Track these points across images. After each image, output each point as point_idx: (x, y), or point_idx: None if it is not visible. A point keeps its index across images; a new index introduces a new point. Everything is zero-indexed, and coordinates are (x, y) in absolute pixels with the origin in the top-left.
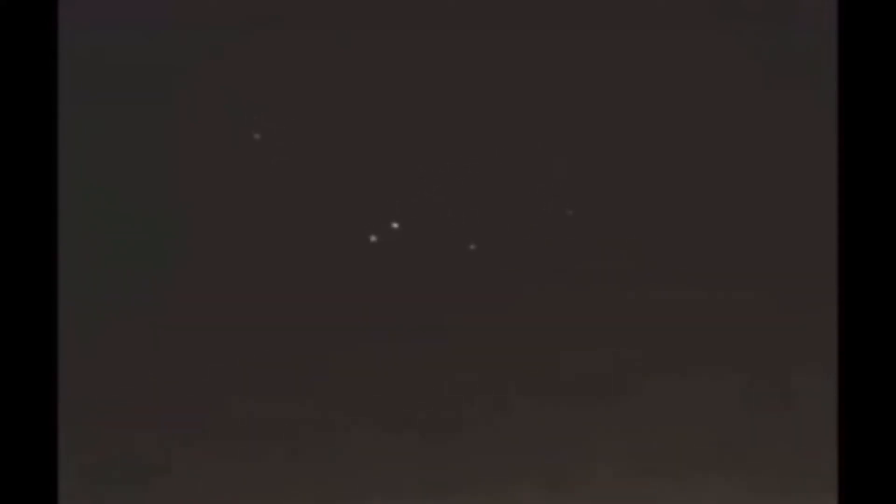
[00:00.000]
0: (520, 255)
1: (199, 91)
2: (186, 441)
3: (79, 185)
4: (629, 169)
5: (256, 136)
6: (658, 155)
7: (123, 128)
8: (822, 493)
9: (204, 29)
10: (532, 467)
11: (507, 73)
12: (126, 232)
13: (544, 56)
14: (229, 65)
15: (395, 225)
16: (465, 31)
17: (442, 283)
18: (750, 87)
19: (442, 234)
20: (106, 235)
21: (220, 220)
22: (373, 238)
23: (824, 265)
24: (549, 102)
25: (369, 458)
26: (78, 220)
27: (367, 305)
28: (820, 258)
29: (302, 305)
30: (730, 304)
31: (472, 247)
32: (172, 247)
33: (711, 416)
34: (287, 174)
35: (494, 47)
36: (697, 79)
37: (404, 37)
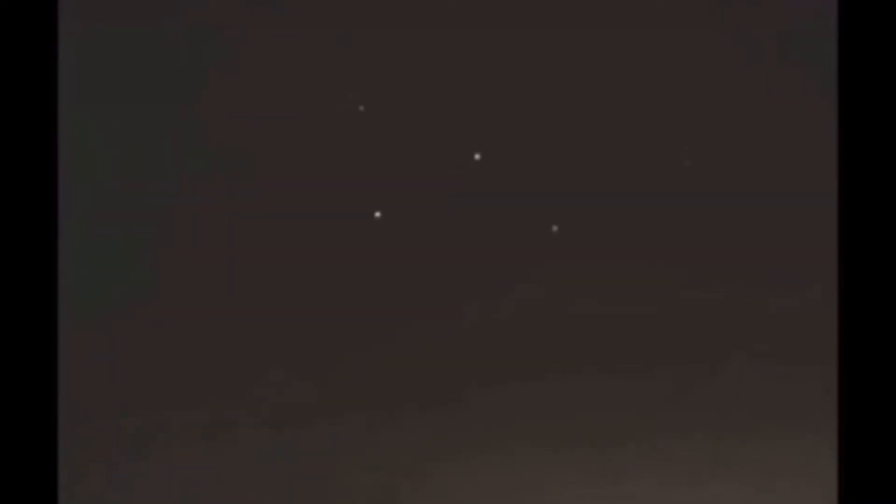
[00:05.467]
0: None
1: (201, 89)
2: (187, 437)
3: (78, 184)
4: (630, 170)
5: (257, 129)
6: (658, 155)
7: (123, 127)
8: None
9: (207, 27)
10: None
11: (508, 74)
12: (125, 231)
13: (541, 57)
14: (235, 64)
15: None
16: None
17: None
18: (750, 88)
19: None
20: (104, 234)
21: (223, 218)
22: (377, 214)
23: (824, 265)
24: (553, 103)
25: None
26: (77, 219)
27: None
28: (819, 258)
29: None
30: (734, 303)
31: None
32: (176, 244)
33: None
34: (292, 172)
35: (503, 47)
36: (698, 79)
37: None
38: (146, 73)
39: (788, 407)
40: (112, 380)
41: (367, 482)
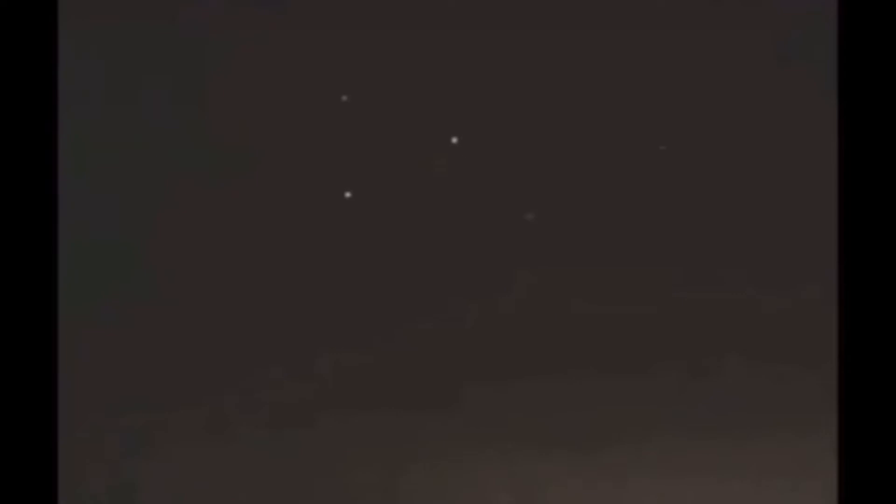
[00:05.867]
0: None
1: (202, 90)
2: (187, 437)
3: (78, 184)
4: (631, 170)
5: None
6: (659, 155)
7: (123, 127)
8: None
9: (208, 28)
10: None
11: (513, 74)
12: (125, 231)
13: (543, 56)
14: (236, 65)
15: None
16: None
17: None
18: (750, 87)
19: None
20: (104, 235)
21: (220, 217)
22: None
23: (824, 266)
24: (556, 105)
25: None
26: (77, 220)
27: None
28: (819, 259)
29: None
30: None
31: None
32: (176, 244)
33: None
34: (293, 174)
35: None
36: (697, 79)
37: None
38: (146, 72)
39: (788, 406)
40: (112, 380)
41: (366, 481)
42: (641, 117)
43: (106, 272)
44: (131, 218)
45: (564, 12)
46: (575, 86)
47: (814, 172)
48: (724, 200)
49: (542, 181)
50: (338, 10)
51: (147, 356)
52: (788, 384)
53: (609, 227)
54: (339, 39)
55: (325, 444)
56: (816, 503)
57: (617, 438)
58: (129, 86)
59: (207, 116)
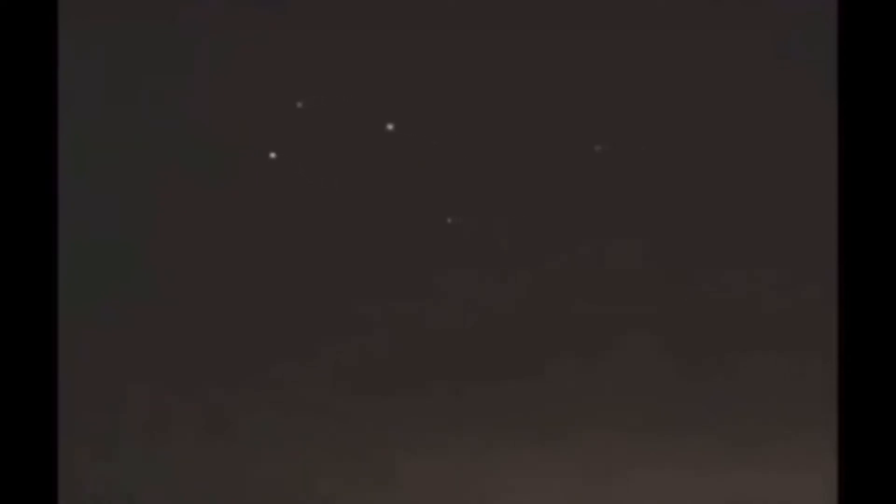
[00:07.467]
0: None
1: (202, 91)
2: (187, 436)
3: (78, 184)
4: (630, 170)
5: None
6: (659, 156)
7: (123, 126)
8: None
9: (208, 28)
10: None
11: (509, 74)
12: (124, 231)
13: (545, 55)
14: (237, 66)
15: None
16: (470, 31)
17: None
18: (751, 88)
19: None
20: (103, 234)
21: (216, 217)
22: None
23: (824, 266)
24: (557, 101)
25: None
26: (77, 220)
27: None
28: (819, 259)
29: (292, 294)
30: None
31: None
32: (175, 243)
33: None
34: (291, 174)
35: (505, 47)
36: (698, 79)
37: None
38: (146, 72)
39: (789, 406)
40: (112, 380)
41: (366, 480)
42: (641, 117)
43: (106, 272)
44: (131, 218)
45: (566, 13)
46: (578, 85)
47: (814, 172)
48: (725, 200)
49: (542, 182)
50: (338, 11)
51: (147, 356)
52: (788, 383)
53: (609, 228)
54: (339, 39)
55: (324, 443)
56: (817, 500)
57: (617, 437)
58: (129, 86)
59: (207, 116)
